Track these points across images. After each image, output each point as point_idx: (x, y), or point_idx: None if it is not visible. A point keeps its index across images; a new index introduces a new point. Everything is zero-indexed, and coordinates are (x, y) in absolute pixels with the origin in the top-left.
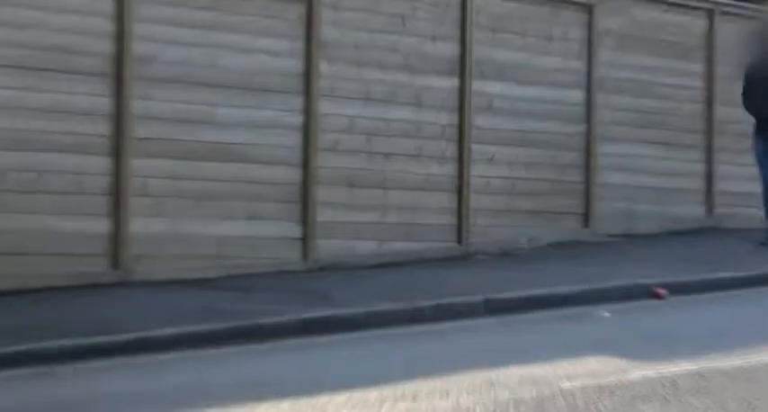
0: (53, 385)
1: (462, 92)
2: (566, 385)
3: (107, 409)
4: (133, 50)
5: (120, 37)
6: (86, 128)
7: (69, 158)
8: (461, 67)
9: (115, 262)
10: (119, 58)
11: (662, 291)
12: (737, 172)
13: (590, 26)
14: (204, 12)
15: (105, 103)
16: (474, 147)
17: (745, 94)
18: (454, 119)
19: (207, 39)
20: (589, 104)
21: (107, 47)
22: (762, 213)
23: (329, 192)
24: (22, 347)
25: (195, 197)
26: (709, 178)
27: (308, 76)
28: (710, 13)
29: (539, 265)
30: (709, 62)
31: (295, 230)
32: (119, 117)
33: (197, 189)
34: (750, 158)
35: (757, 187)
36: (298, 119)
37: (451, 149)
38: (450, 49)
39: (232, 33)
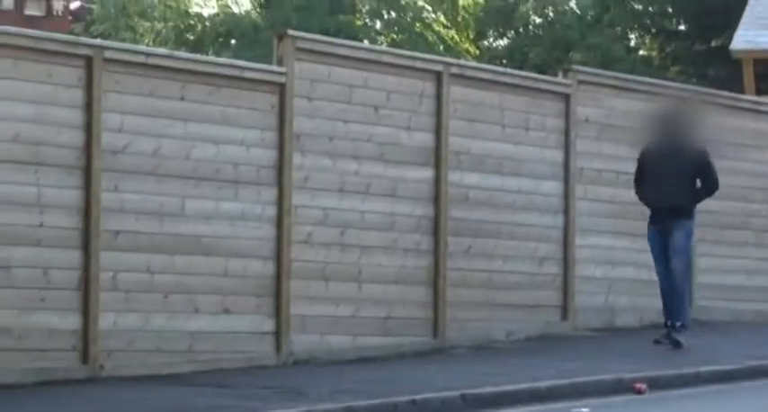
0: None
1: (438, 183)
2: None
3: None
4: (102, 141)
5: (89, 128)
6: (55, 220)
7: (38, 252)
8: (437, 158)
9: (85, 357)
10: (87, 149)
11: (642, 386)
12: (716, 264)
13: (567, 115)
14: (174, 102)
15: (74, 195)
16: (450, 239)
17: (637, 180)
18: (430, 210)
19: (177, 129)
20: (567, 195)
21: (76, 138)
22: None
23: (303, 286)
24: None
25: (166, 291)
26: None
27: (281, 167)
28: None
29: (517, 360)
30: None
31: (268, 324)
32: (88, 209)
33: (168, 282)
34: (730, 250)
35: (739, 279)
36: (271, 211)
37: (427, 242)
38: (425, 140)
39: (203, 123)
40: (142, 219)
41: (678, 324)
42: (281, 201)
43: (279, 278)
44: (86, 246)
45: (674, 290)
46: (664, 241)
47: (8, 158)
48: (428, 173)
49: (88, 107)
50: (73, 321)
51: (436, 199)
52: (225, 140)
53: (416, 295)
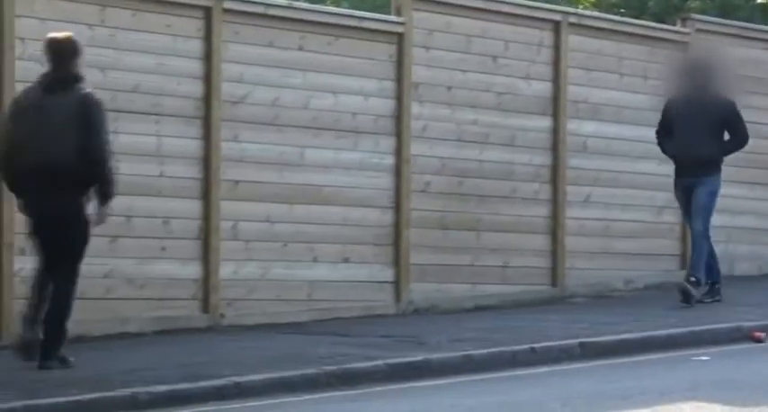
0: None
1: (556, 132)
2: None
3: None
4: (222, 91)
5: (209, 78)
6: (176, 170)
7: (159, 202)
8: (555, 107)
9: (205, 306)
10: (207, 99)
11: (761, 335)
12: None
13: None
14: (293, 52)
15: (195, 145)
16: (568, 188)
17: (659, 132)
18: (548, 159)
19: (296, 79)
20: None
21: (196, 88)
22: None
23: (422, 235)
24: (111, 394)
25: (286, 240)
26: None
27: (399, 116)
28: None
29: (635, 308)
30: None
31: (387, 273)
32: (208, 159)
33: (288, 232)
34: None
35: None
36: (389, 160)
37: (545, 190)
38: (543, 89)
39: (322, 73)
40: (262, 168)
41: (692, 279)
42: (399, 151)
43: (398, 227)
44: (206, 196)
45: (695, 247)
46: (688, 196)
47: (129, 109)
48: (546, 122)
49: (207, 58)
50: (193, 270)
51: (554, 148)
52: (343, 90)
53: (535, 244)
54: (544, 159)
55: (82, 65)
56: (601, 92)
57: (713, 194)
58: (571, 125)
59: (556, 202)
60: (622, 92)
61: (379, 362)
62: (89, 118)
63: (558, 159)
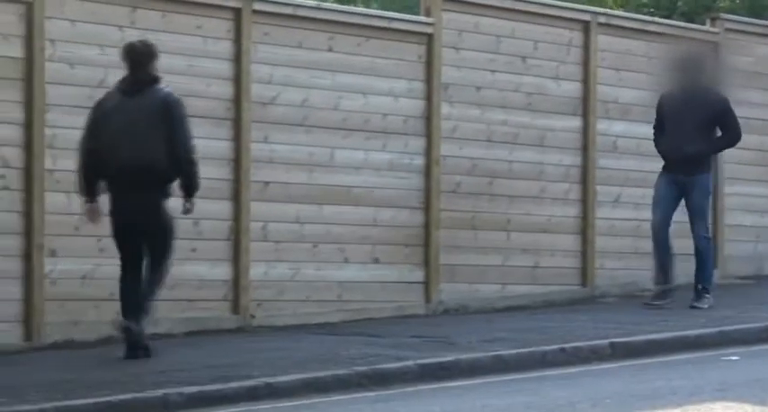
0: None
1: (586, 132)
2: None
3: None
4: (252, 93)
5: (239, 80)
6: (206, 171)
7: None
8: (585, 107)
9: (236, 307)
10: (237, 100)
11: None
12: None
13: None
14: (322, 53)
15: (225, 146)
16: (599, 188)
17: (656, 128)
18: (578, 160)
19: (325, 80)
20: None
21: (226, 90)
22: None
23: (452, 235)
24: (142, 395)
25: (316, 241)
26: None
27: (429, 117)
28: None
29: (665, 308)
30: None
31: (417, 274)
32: (238, 160)
33: (318, 232)
34: None
35: None
36: (419, 161)
37: (576, 191)
38: (573, 89)
39: (351, 74)
40: (292, 169)
41: (700, 287)
42: (429, 152)
43: (428, 228)
44: (237, 197)
45: (700, 255)
46: (672, 191)
47: None
48: (576, 122)
49: (237, 59)
50: (224, 271)
51: (584, 148)
52: (373, 91)
53: (565, 244)
54: (574, 159)
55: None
56: (630, 92)
57: (707, 194)
58: (601, 125)
59: (586, 202)
60: (652, 91)
61: (410, 363)
62: (172, 116)
63: (587, 159)
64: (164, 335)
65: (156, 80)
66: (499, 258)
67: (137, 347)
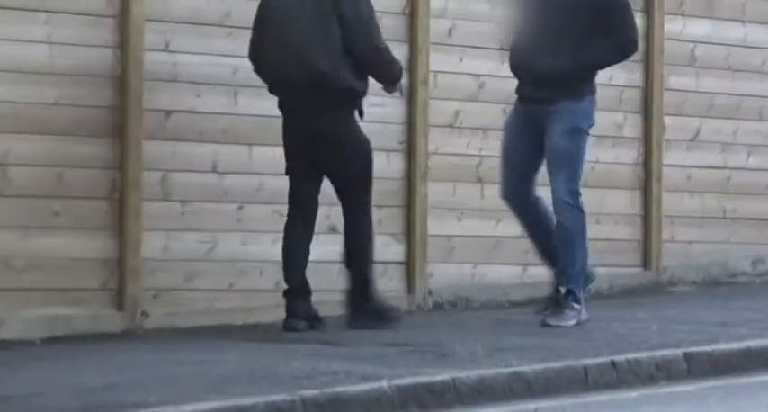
0: None
1: None
2: None
3: None
4: None
5: None
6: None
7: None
8: None
9: (120, 301)
10: None
11: None
12: None
13: None
14: None
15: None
16: (668, 120)
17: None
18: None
19: None
20: None
21: None
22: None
23: (446, 191)
24: None
25: (242, 200)
26: None
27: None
28: None
29: (766, 302)
30: None
31: (394, 250)
32: (125, 78)
33: (245, 187)
34: None
35: None
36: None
37: (631, 124)
38: None
39: None
40: (206, 92)
41: (564, 289)
42: (413, 68)
43: (410, 179)
44: (121, 133)
45: (562, 232)
46: (526, 135)
47: None
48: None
49: None
50: (101, 246)
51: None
52: None
53: (617, 204)
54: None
55: None
56: None
57: (577, 134)
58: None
59: (647, 141)
60: None
61: (383, 384)
62: (349, 15)
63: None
64: (13, 343)
65: None
66: (517, 226)
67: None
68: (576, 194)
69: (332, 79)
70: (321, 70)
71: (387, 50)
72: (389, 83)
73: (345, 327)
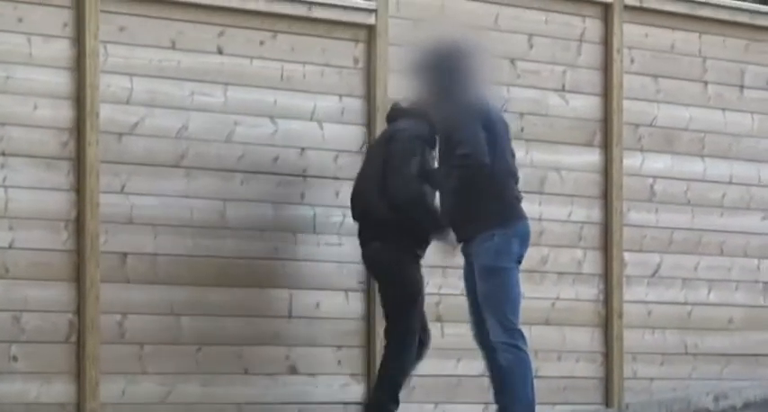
0: None
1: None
2: None
3: None
4: None
5: None
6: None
7: None
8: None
9: None
10: None
11: None
12: None
13: None
14: None
15: None
16: (627, 256)
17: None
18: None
19: None
20: None
21: None
22: None
23: None
24: None
25: (200, 342)
26: None
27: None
28: None
29: None
30: None
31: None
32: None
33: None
34: None
35: None
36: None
37: (591, 261)
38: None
39: None
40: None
41: None
42: None
43: (369, 320)
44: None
45: (500, 375)
46: (471, 274)
47: None
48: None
49: None
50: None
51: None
52: None
53: (579, 341)
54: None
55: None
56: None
57: (496, 273)
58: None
59: (607, 278)
60: None
61: None
62: (389, 152)
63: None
64: None
65: (406, 113)
66: (473, 365)
67: None
68: (512, 332)
69: (373, 211)
70: (367, 200)
71: (413, 204)
72: (430, 234)
73: None
